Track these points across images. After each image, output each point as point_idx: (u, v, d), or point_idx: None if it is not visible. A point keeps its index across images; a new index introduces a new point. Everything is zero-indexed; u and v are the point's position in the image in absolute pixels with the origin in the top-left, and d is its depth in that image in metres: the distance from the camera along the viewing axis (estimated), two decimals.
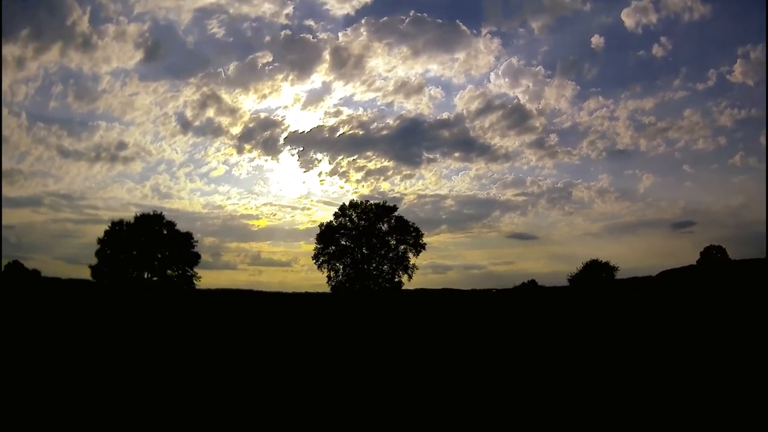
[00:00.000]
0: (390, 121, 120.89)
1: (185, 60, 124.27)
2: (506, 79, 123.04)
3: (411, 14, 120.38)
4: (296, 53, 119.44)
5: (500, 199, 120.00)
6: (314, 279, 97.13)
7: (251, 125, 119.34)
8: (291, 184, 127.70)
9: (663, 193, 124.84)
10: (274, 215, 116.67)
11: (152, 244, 54.83)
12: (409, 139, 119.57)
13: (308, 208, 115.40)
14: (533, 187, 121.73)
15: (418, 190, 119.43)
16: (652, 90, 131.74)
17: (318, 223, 64.68)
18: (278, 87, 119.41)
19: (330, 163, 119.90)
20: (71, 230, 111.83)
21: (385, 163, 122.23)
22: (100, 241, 54.79)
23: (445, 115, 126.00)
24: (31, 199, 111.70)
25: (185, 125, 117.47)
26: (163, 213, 56.48)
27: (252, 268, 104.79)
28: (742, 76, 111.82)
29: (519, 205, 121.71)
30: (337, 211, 63.59)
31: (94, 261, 54.00)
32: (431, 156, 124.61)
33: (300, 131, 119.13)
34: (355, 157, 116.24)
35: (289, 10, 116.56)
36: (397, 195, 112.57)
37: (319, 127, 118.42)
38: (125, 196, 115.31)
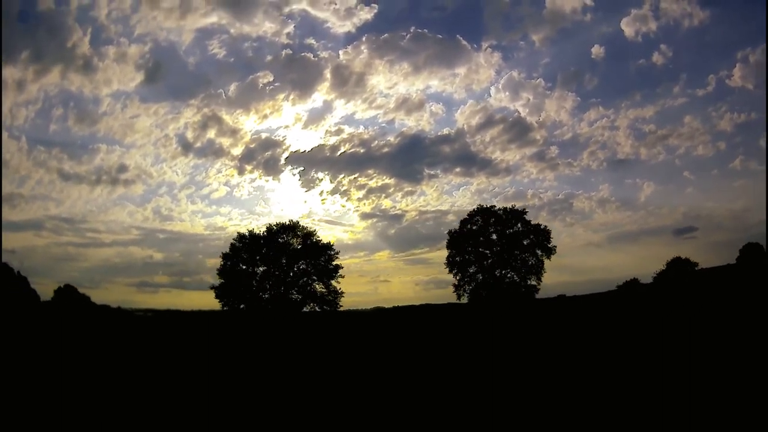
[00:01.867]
0: (391, 138, 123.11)
1: (186, 81, 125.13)
2: (507, 93, 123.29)
3: (412, 30, 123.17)
4: (297, 72, 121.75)
5: None
6: None
7: (252, 146, 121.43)
8: (292, 203, 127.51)
9: (664, 201, 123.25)
10: None
11: (289, 257, 54.52)
12: (410, 156, 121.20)
13: (310, 228, 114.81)
14: (534, 199, 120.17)
15: (420, 206, 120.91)
16: (653, 98, 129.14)
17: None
18: (279, 107, 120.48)
19: (331, 182, 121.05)
20: (73, 254, 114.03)
21: (387, 181, 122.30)
22: (225, 256, 54.24)
23: (446, 131, 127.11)
24: (32, 222, 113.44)
25: (186, 147, 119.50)
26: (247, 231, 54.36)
27: None
28: (741, 79, 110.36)
29: None
30: (465, 216, 62.12)
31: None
32: (432, 172, 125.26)
33: (301, 150, 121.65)
34: (356, 176, 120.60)
35: (290, 29, 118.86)
36: (399, 212, 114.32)
37: (320, 146, 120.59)
38: (126, 219, 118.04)
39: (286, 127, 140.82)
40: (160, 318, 62.96)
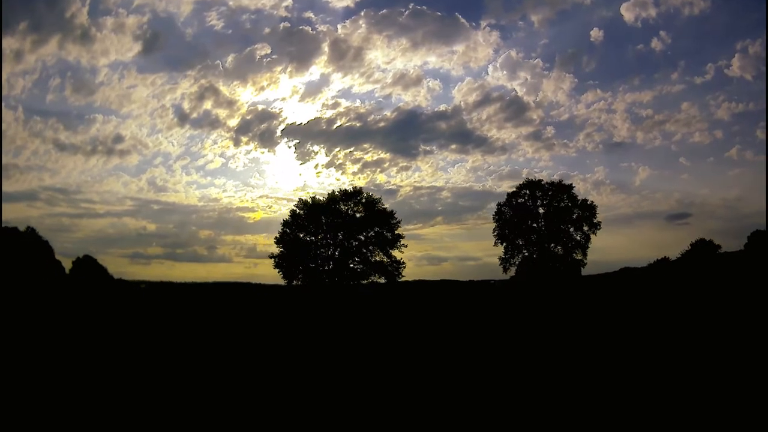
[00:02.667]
0: (387, 113, 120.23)
1: (184, 52, 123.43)
2: (504, 72, 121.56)
3: (410, 7, 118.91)
4: (295, 45, 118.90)
5: (496, 191, 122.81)
6: None
7: (248, 117, 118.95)
8: (287, 176, 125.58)
9: (659, 186, 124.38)
10: (269, 208, 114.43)
11: (350, 225, 52.60)
12: (406, 131, 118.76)
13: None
14: (529, 179, 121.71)
15: (414, 182, 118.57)
16: (650, 83, 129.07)
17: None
18: (276, 79, 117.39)
19: (326, 155, 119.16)
20: (67, 225, 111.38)
21: (382, 155, 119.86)
22: (285, 224, 52.05)
23: (442, 107, 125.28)
24: (26, 193, 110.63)
25: (182, 118, 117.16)
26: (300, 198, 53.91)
27: (247, 260, 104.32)
28: (740, 70, 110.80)
29: None
30: (513, 189, 62.11)
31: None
32: (428, 148, 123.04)
33: (297, 123, 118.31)
34: (351, 149, 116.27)
35: (289, 2, 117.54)
36: (393, 187, 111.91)
37: (317, 119, 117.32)
38: (121, 190, 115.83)
39: (283, 99, 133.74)
40: (163, 289, 59.70)
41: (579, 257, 60.08)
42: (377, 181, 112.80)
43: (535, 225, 60.81)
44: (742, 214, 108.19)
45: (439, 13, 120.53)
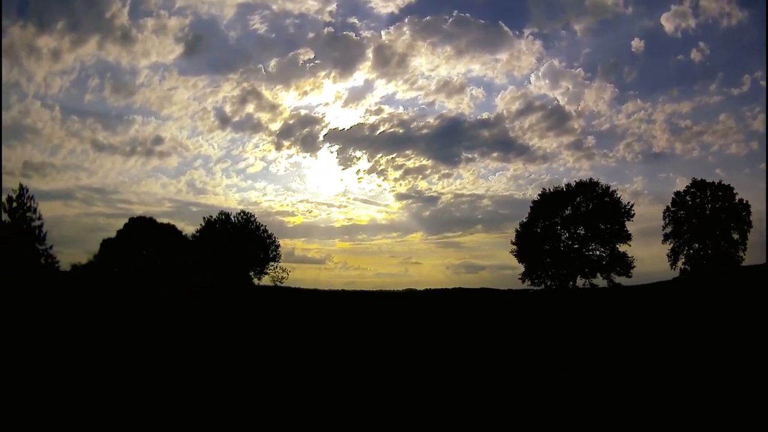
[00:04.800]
0: (431, 120, 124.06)
1: (226, 55, 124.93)
2: (547, 81, 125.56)
3: (454, 14, 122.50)
4: (339, 51, 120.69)
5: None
6: (347, 276, 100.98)
7: (291, 122, 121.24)
8: (328, 181, 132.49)
9: None
10: (309, 212, 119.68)
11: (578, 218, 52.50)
12: (448, 139, 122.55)
13: (345, 206, 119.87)
14: None
15: (456, 189, 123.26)
16: (689, 94, 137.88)
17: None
18: (320, 84, 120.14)
19: (369, 161, 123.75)
20: (102, 224, 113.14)
21: (424, 162, 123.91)
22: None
23: (485, 115, 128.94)
24: (62, 192, 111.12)
25: (224, 121, 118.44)
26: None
27: (284, 264, 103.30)
28: None
29: None
30: (682, 190, 64.78)
31: None
32: (470, 156, 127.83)
33: (340, 128, 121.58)
34: (394, 156, 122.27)
35: (333, 7, 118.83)
36: (434, 194, 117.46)
37: (360, 125, 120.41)
38: (159, 191, 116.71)
39: (326, 104, 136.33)
40: None
41: (741, 254, 63.97)
42: (419, 188, 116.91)
43: (702, 222, 64.15)
44: None
45: (483, 21, 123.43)
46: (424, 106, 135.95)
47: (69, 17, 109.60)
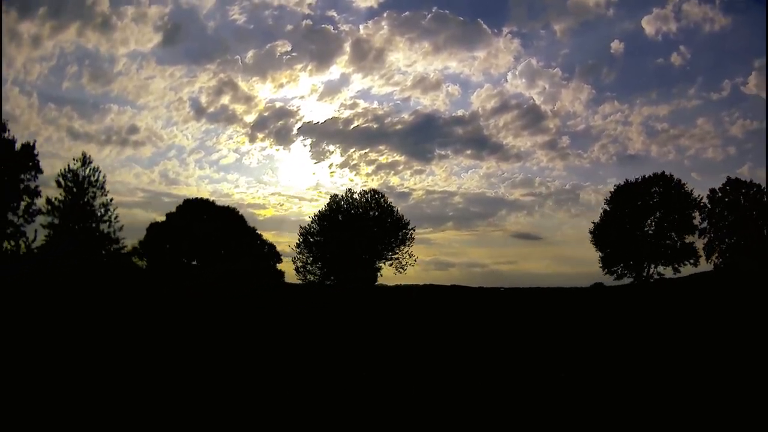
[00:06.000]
0: (405, 115, 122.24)
1: (204, 45, 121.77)
2: (523, 80, 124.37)
3: (434, 10, 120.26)
4: (316, 44, 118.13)
5: (508, 199, 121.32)
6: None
7: (266, 114, 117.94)
8: (301, 174, 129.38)
9: None
10: (281, 205, 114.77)
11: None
12: (422, 135, 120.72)
13: (316, 200, 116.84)
14: (541, 188, 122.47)
15: (428, 185, 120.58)
16: (668, 97, 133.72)
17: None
18: (296, 77, 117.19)
19: (342, 155, 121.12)
20: None
21: (397, 158, 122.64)
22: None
23: (460, 113, 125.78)
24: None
25: (199, 111, 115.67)
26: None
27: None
28: (756, 87, 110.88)
29: (526, 205, 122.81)
30: (720, 186, 67.66)
31: None
32: (443, 152, 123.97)
33: (314, 122, 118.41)
34: (367, 151, 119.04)
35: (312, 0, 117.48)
36: (406, 190, 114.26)
37: (334, 119, 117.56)
38: (132, 181, 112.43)
39: (302, 97, 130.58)
40: None
41: None
42: (390, 183, 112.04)
43: (737, 218, 67.38)
44: None
45: (462, 18, 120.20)
46: (399, 102, 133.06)
47: (51, 3, 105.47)
